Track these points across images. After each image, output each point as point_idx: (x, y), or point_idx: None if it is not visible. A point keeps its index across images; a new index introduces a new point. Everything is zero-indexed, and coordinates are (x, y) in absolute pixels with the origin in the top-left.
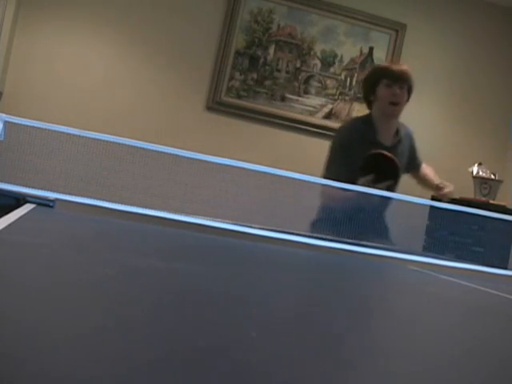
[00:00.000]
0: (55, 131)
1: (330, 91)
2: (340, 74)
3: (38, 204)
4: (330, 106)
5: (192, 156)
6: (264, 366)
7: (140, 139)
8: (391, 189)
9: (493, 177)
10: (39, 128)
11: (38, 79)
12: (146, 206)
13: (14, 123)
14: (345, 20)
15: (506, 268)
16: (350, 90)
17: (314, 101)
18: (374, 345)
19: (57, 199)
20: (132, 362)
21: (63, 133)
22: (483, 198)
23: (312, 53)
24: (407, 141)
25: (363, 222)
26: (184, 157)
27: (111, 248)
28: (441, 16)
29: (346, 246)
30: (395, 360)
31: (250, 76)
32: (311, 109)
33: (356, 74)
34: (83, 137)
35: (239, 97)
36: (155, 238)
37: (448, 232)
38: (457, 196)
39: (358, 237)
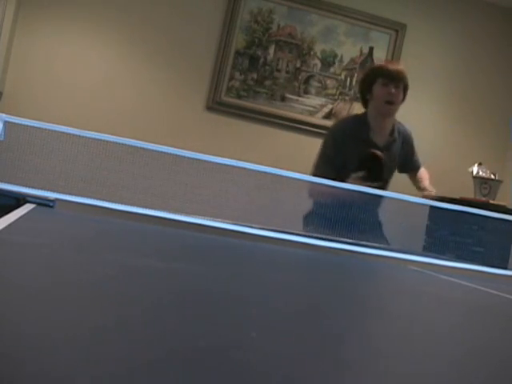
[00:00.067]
0: (55, 131)
1: (330, 91)
2: (340, 74)
3: (38, 204)
4: (329, 106)
5: (192, 156)
6: (264, 365)
7: (140, 139)
8: (379, 188)
9: (493, 177)
10: (39, 128)
11: (37, 79)
12: (146, 206)
13: (14, 123)
14: (345, 20)
15: (506, 268)
16: (349, 90)
17: (313, 101)
18: (373, 345)
19: (57, 199)
20: (132, 361)
21: (63, 133)
22: (483, 198)
23: (312, 53)
24: (403, 141)
25: (354, 216)
26: (184, 157)
27: (111, 248)
28: (440, 16)
29: (346, 246)
30: (395, 360)
31: (249, 76)
32: (311, 109)
33: (356, 74)
34: (83, 137)
35: (239, 97)
36: (155, 238)
37: (448, 232)
38: (457, 196)
39: (349, 231)
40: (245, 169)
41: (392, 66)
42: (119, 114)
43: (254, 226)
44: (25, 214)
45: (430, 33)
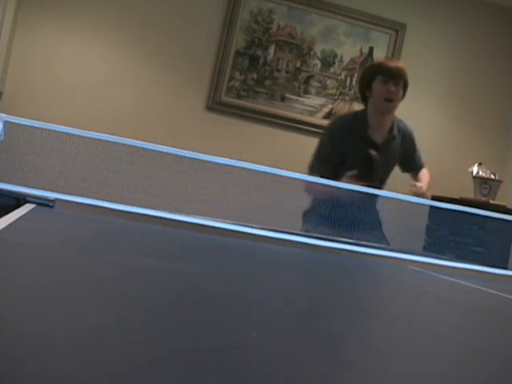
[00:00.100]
0: (55, 131)
1: (329, 91)
2: (340, 74)
3: (38, 204)
4: (329, 106)
5: (192, 156)
6: (264, 365)
7: (140, 139)
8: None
9: (493, 177)
10: (39, 128)
11: (37, 79)
12: (146, 206)
13: (14, 123)
14: (345, 20)
15: (506, 268)
16: (349, 89)
17: (313, 101)
18: (373, 345)
19: (57, 199)
20: (132, 361)
21: (63, 133)
22: (483, 198)
23: (312, 53)
24: (404, 137)
25: (353, 214)
26: (184, 157)
27: (111, 248)
28: (440, 16)
29: (346, 246)
30: (395, 360)
31: (250, 76)
32: (311, 109)
33: (356, 74)
34: (83, 137)
35: (239, 97)
36: (155, 238)
37: (448, 232)
38: (457, 196)
39: (348, 229)
40: (245, 169)
41: (392, 63)
42: (119, 114)
43: (253, 225)
44: (25, 214)
45: (430, 33)
